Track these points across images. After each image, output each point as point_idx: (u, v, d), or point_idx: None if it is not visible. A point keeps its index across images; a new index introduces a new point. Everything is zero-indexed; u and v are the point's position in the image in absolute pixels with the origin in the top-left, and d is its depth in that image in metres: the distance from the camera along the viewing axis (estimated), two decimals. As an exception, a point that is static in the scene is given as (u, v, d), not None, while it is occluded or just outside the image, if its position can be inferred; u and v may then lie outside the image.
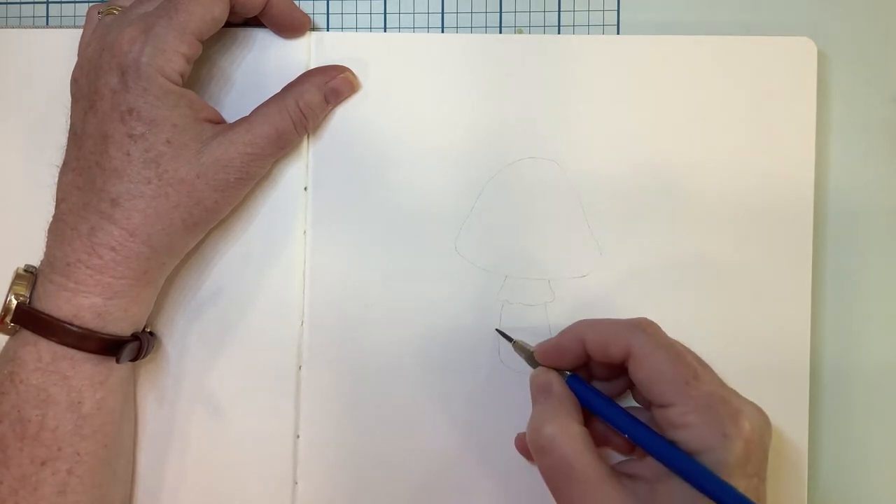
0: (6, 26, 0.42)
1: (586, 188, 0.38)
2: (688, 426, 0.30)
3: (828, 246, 0.38)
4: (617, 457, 0.35)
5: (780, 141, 0.37)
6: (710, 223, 0.38)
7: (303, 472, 0.39)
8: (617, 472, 0.31)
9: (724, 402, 0.30)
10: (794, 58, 0.37)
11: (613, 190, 0.38)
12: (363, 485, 0.38)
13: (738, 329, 0.37)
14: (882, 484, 0.38)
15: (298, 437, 0.39)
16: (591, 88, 0.38)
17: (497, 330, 0.38)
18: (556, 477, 0.31)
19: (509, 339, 0.37)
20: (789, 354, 0.37)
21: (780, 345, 0.37)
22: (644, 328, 0.32)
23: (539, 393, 0.34)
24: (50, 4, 0.42)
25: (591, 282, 0.38)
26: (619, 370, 0.34)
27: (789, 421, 0.37)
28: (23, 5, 0.42)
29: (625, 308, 0.38)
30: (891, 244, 0.38)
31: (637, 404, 0.35)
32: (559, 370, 0.34)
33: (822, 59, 0.38)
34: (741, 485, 0.29)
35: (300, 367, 0.39)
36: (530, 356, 0.35)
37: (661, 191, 0.38)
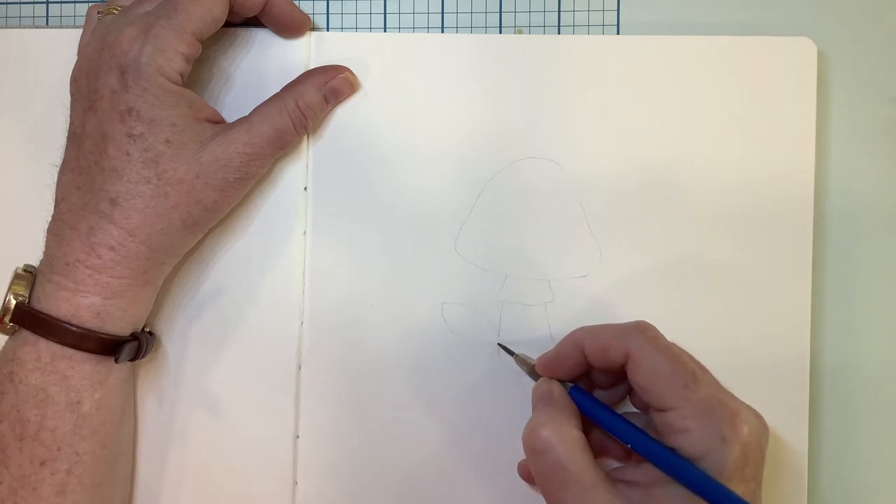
0: (6, 26, 0.42)
1: (586, 188, 0.38)
2: (686, 430, 0.30)
3: (828, 245, 0.38)
4: (614, 464, 0.35)
5: (780, 141, 0.37)
6: (710, 223, 0.37)
7: (302, 473, 0.39)
8: (612, 478, 0.31)
9: (722, 406, 0.30)
10: (795, 58, 0.37)
11: (613, 190, 0.38)
12: (363, 485, 0.38)
13: (738, 329, 0.37)
14: (883, 485, 0.38)
15: (298, 437, 0.39)
16: (591, 88, 0.38)
17: (499, 344, 0.38)
18: (550, 480, 0.31)
19: (511, 352, 0.37)
20: (789, 354, 0.37)
21: (780, 345, 0.37)
22: (642, 331, 0.32)
23: (539, 400, 0.34)
24: (50, 4, 0.42)
25: (592, 282, 0.38)
26: (619, 377, 0.34)
27: (789, 421, 0.37)
28: (22, 5, 0.42)
29: (625, 308, 0.38)
30: (891, 244, 0.38)
31: (634, 409, 0.35)
32: (561, 381, 0.34)
33: (822, 59, 0.38)
34: (739, 489, 0.29)
35: (300, 368, 0.39)
36: (531, 369, 0.35)
37: (662, 191, 0.38)
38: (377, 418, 0.38)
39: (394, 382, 0.38)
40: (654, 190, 0.38)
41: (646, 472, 0.31)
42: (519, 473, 0.37)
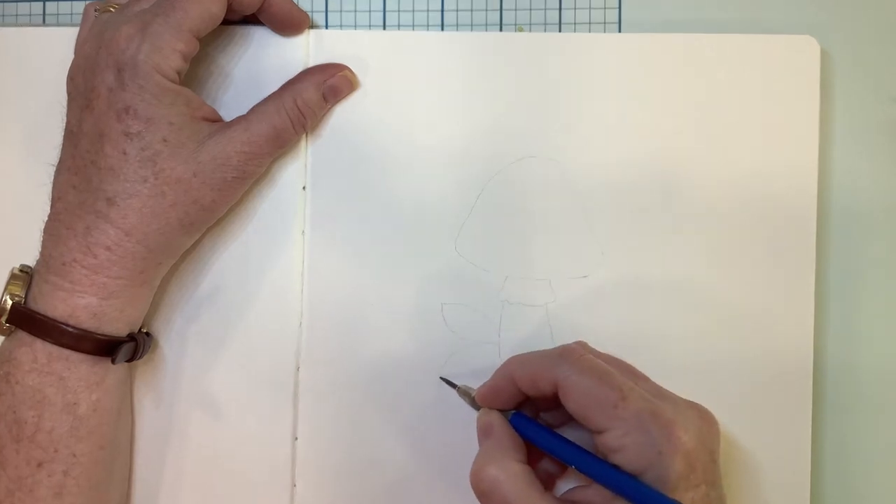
0: (3, 24, 0.42)
1: (587, 188, 0.38)
2: (623, 449, 0.30)
3: (831, 244, 0.38)
4: (571, 485, 0.35)
5: (782, 140, 0.37)
6: (711, 222, 0.37)
7: (301, 474, 0.38)
8: (565, 501, 0.31)
9: (655, 419, 0.30)
10: (797, 56, 0.37)
11: (614, 189, 0.38)
12: (362, 486, 0.38)
13: (740, 328, 0.37)
14: (885, 486, 0.38)
15: (297, 438, 0.38)
16: (592, 87, 0.38)
17: (441, 378, 0.37)
18: None
19: (453, 385, 0.37)
20: (792, 353, 0.37)
21: (783, 343, 0.37)
22: (567, 357, 0.32)
23: (481, 434, 0.34)
24: (47, 2, 0.42)
25: (592, 282, 0.37)
26: (558, 400, 0.34)
27: (792, 421, 0.37)
28: (19, 3, 0.42)
29: (626, 308, 0.37)
30: (894, 242, 0.38)
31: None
32: (504, 410, 0.34)
33: (825, 57, 0.37)
34: (687, 497, 0.29)
35: (298, 368, 0.38)
36: (473, 400, 0.35)
37: (663, 190, 0.37)
38: (376, 419, 0.38)
39: (393, 383, 0.38)
40: (656, 189, 0.37)
41: (598, 491, 0.31)
42: None
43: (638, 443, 0.29)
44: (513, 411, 0.34)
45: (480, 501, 0.31)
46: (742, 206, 0.37)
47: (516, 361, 0.34)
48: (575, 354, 0.32)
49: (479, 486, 0.31)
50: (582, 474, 0.32)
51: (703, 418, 0.31)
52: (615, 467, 0.30)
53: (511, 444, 0.33)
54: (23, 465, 0.33)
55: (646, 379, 0.33)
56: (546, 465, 0.35)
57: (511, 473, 0.31)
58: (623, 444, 0.30)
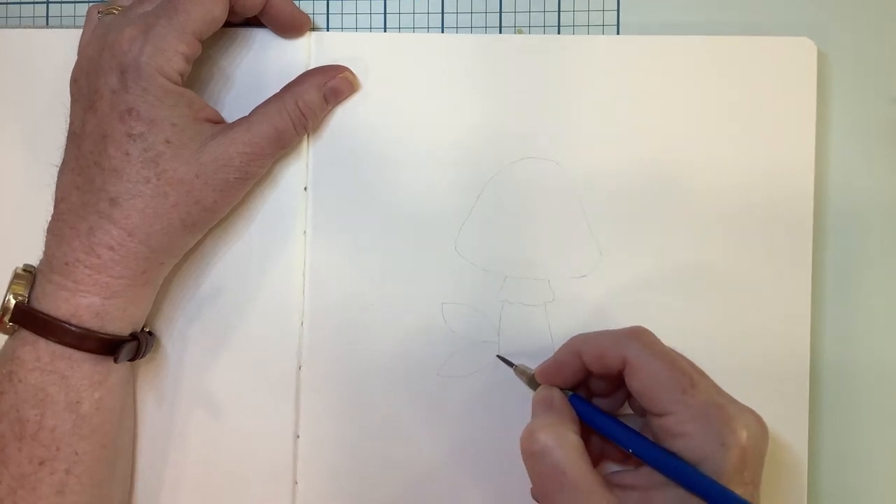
0: (6, 26, 0.42)
1: (586, 188, 0.38)
2: (685, 435, 0.30)
3: (828, 245, 0.38)
4: (612, 469, 0.35)
5: (780, 141, 0.37)
6: (709, 223, 0.37)
7: (303, 472, 0.38)
8: (609, 483, 0.31)
9: (720, 411, 0.30)
10: (795, 58, 0.37)
11: (613, 190, 0.38)
12: (363, 485, 0.38)
13: (737, 329, 0.37)
14: (883, 486, 0.38)
15: (298, 437, 0.39)
16: (591, 88, 0.38)
17: (498, 356, 0.38)
18: (547, 484, 0.31)
19: (510, 364, 0.37)
20: (789, 353, 0.37)
21: (780, 344, 0.37)
22: (639, 336, 0.32)
23: (539, 406, 0.34)
24: (50, 4, 0.42)
25: (591, 282, 0.38)
26: (616, 384, 0.34)
27: (789, 421, 0.37)
28: (23, 5, 0.42)
29: (625, 308, 0.37)
30: (891, 243, 0.38)
31: (631, 412, 0.35)
32: (560, 389, 0.34)
33: (822, 59, 0.38)
34: (737, 492, 0.29)
35: (300, 367, 0.39)
36: (531, 379, 0.35)
37: (662, 190, 0.38)
38: (377, 418, 0.38)
39: (394, 382, 0.38)
40: (655, 189, 0.38)
41: (643, 476, 0.31)
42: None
43: (701, 431, 0.29)
44: (570, 392, 0.34)
45: (528, 463, 0.31)
46: (739, 208, 0.37)
47: (583, 338, 0.34)
48: (646, 336, 0.32)
49: (530, 447, 0.31)
50: (623, 460, 0.33)
51: (759, 423, 0.31)
52: (674, 454, 0.30)
53: (569, 417, 0.33)
54: (25, 463, 0.33)
55: (707, 375, 0.33)
56: (590, 447, 0.35)
57: (566, 441, 0.31)
58: (685, 430, 0.30)
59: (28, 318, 0.33)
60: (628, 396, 0.35)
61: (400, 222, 0.38)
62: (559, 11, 0.39)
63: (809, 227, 0.37)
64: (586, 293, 0.38)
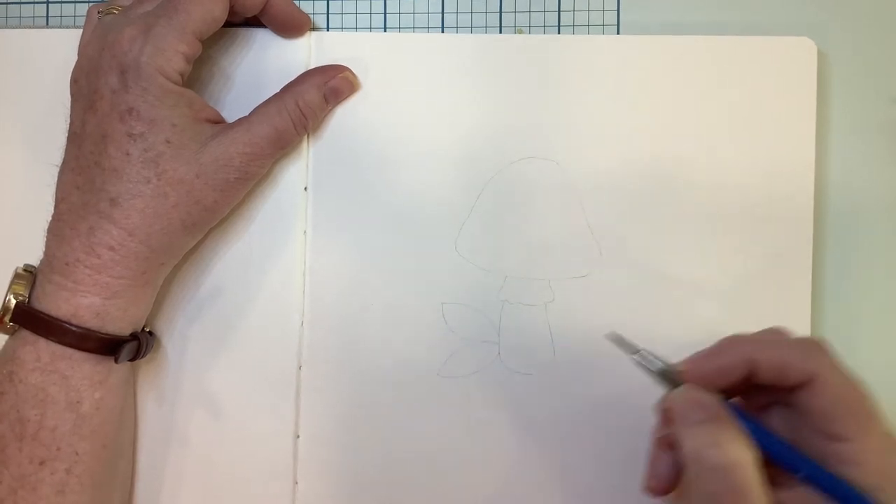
0: (6, 26, 0.42)
1: (586, 188, 0.38)
2: (863, 464, 0.28)
3: (828, 244, 0.38)
4: None
5: (780, 141, 0.37)
6: (709, 223, 0.37)
7: (303, 472, 0.38)
8: None
9: None
10: (795, 58, 0.37)
11: (613, 190, 0.38)
12: (363, 485, 0.38)
13: (738, 328, 0.37)
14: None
15: (298, 436, 0.39)
16: (591, 88, 0.38)
17: (608, 336, 0.33)
18: (720, 502, 0.27)
19: (630, 346, 0.32)
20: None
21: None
22: (828, 351, 0.29)
23: (702, 412, 0.29)
24: (50, 4, 0.42)
25: (592, 281, 0.38)
26: (775, 398, 0.31)
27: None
28: (23, 5, 0.42)
29: (625, 307, 0.37)
30: (891, 244, 0.38)
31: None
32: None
33: (822, 59, 0.38)
34: None
35: (300, 367, 0.39)
36: (664, 373, 0.31)
37: (661, 190, 0.38)
38: (377, 418, 0.38)
39: (394, 382, 0.38)
40: (655, 189, 0.38)
41: (796, 497, 0.29)
42: (648, 488, 0.32)
43: (884, 462, 0.28)
44: (723, 398, 0.30)
45: (704, 477, 0.28)
46: (740, 207, 0.37)
47: (754, 344, 0.30)
48: (834, 351, 0.29)
49: (716, 459, 0.28)
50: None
51: None
52: (851, 483, 0.28)
53: (742, 431, 0.29)
54: (25, 463, 0.33)
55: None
56: None
57: (750, 461, 0.28)
58: (866, 459, 0.28)
59: (28, 318, 0.33)
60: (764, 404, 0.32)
61: (400, 222, 0.38)
62: (559, 11, 0.39)
63: (809, 226, 0.37)
64: (586, 293, 0.38)
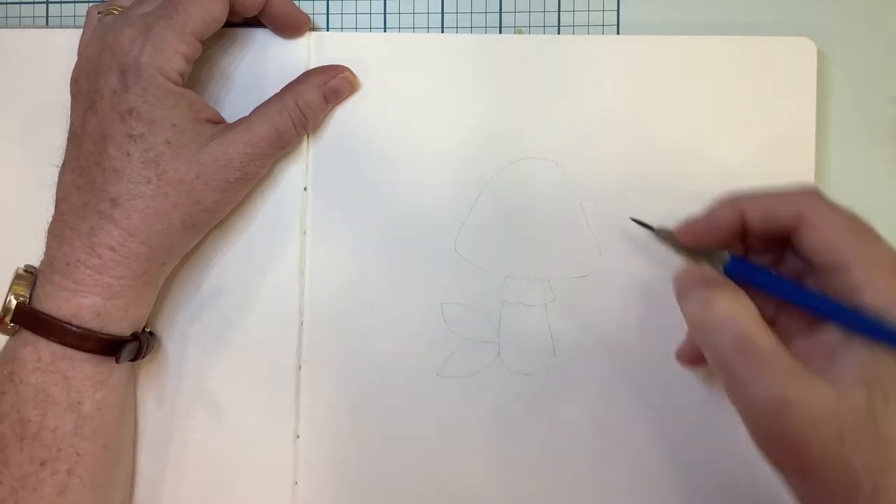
0: (6, 26, 0.42)
1: (586, 188, 0.38)
2: (871, 283, 0.28)
3: (828, 246, 0.38)
4: None
5: (780, 141, 0.37)
6: (710, 223, 0.37)
7: (303, 472, 0.39)
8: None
9: None
10: (795, 58, 0.37)
11: (613, 190, 0.38)
12: (363, 485, 0.38)
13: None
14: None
15: (298, 436, 0.39)
16: (591, 88, 0.38)
17: (632, 218, 0.36)
18: (730, 355, 0.28)
19: (647, 226, 0.35)
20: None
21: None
22: (815, 192, 0.30)
23: (697, 282, 0.31)
24: (50, 4, 0.42)
25: (592, 281, 0.38)
26: (772, 246, 0.32)
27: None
28: (22, 5, 0.42)
29: (625, 307, 0.37)
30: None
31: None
32: (707, 253, 0.32)
33: (822, 59, 0.38)
34: None
35: (300, 367, 0.39)
36: (666, 236, 0.34)
37: (661, 190, 0.38)
38: (377, 418, 0.38)
39: (394, 382, 0.38)
40: (654, 189, 0.38)
41: (817, 342, 0.29)
42: (679, 359, 0.35)
43: (890, 280, 0.28)
44: (728, 256, 0.32)
45: (708, 338, 0.29)
46: (740, 207, 0.37)
47: (740, 195, 0.31)
48: (821, 192, 0.30)
49: (710, 321, 0.29)
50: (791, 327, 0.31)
51: None
52: (860, 308, 0.28)
53: (736, 289, 0.30)
54: (26, 464, 0.33)
55: None
56: None
57: (748, 308, 0.29)
58: (872, 279, 0.28)
59: (29, 319, 0.33)
60: (776, 260, 0.33)
61: (400, 222, 0.38)
62: (559, 11, 0.39)
63: (809, 226, 0.37)
64: (586, 293, 0.38)
